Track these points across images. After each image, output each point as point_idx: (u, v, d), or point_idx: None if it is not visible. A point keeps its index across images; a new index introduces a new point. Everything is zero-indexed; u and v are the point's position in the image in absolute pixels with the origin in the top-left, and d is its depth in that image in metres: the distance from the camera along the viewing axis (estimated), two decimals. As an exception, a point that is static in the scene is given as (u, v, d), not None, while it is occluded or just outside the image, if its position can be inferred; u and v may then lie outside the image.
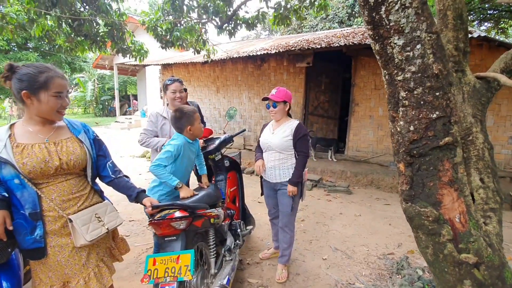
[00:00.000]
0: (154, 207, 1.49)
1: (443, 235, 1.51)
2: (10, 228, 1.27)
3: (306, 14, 6.95)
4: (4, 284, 1.41)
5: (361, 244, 2.98)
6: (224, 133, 2.77)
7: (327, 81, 6.95)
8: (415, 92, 1.46)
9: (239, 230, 2.34)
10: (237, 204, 2.68)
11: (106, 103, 21.61)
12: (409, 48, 1.43)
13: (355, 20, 13.02)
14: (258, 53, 6.05)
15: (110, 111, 20.93)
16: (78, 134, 1.42)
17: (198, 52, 5.42)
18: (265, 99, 2.40)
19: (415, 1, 1.38)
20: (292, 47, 5.66)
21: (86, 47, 4.64)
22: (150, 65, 8.27)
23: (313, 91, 6.76)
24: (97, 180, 1.54)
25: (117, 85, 14.70)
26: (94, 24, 4.33)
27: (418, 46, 1.42)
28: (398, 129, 1.57)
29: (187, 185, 2.14)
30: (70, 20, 4.21)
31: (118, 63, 13.66)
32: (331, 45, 5.23)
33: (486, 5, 9.09)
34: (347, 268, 2.53)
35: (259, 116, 7.12)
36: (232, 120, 2.94)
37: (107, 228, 1.41)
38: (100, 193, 1.51)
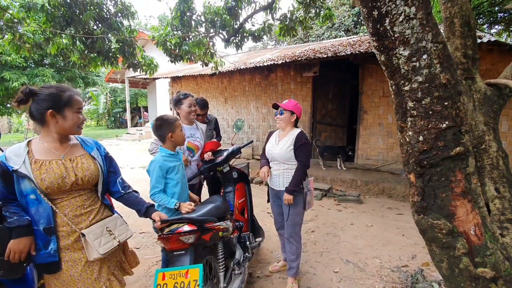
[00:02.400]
0: (163, 221, 1.50)
1: (458, 249, 1.46)
2: (34, 253, 1.31)
3: (312, 24, 7.02)
4: None
5: (374, 256, 2.91)
6: (232, 144, 2.79)
7: (335, 90, 6.94)
8: (423, 102, 1.45)
9: (248, 242, 2.32)
10: (246, 215, 2.66)
11: (118, 115, 22.14)
12: (415, 58, 1.42)
13: (361, 28, 13.04)
14: (265, 64, 6.11)
15: (122, 123, 21.40)
16: (91, 151, 1.47)
17: (206, 65, 5.53)
18: (275, 105, 2.44)
19: (419, 12, 1.38)
20: (298, 57, 5.71)
21: (99, 63, 4.80)
22: (159, 78, 8.47)
23: (321, 99, 6.76)
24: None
25: (129, 98, 15.07)
26: (107, 41, 4.49)
27: (424, 56, 1.41)
28: (407, 139, 1.55)
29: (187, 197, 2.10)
30: (83, 38, 4.38)
31: (129, 76, 14.05)
32: (338, 54, 5.25)
33: (496, 8, 8.97)
34: (360, 282, 2.47)
35: (267, 125, 7.14)
36: (240, 131, 2.96)
37: (119, 241, 1.44)
38: (109, 207, 1.54)
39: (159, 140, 1.97)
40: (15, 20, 4.21)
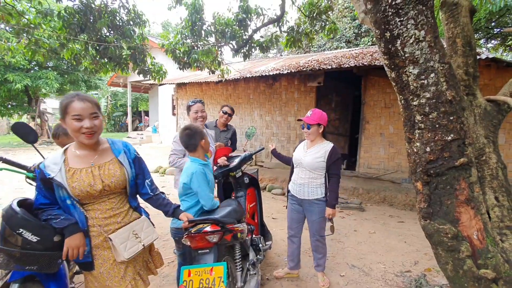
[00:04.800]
0: (190, 221, 1.61)
1: (462, 251, 1.58)
2: (86, 248, 1.41)
3: (318, 36, 7.24)
4: None
5: (378, 262, 3.01)
6: (244, 151, 2.91)
7: (338, 99, 7.12)
8: (431, 116, 1.59)
9: (260, 245, 2.42)
10: (256, 219, 2.77)
11: (118, 119, 22.21)
12: (423, 76, 1.57)
13: (362, 40, 13.36)
14: (271, 73, 6.29)
15: (121, 126, 21.48)
16: (118, 155, 1.50)
17: (213, 72, 5.69)
18: (300, 120, 2.49)
19: (428, 35, 1.53)
20: (303, 68, 5.89)
21: (110, 69, 4.94)
22: (166, 84, 8.61)
23: (324, 109, 6.88)
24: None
25: (130, 102, 15.19)
26: (119, 47, 4.64)
27: (432, 75, 1.56)
28: (415, 150, 1.69)
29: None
30: (96, 44, 4.52)
31: (132, 81, 14.19)
32: (342, 65, 5.43)
33: (493, 23, 9.30)
34: (366, 285, 2.57)
35: (270, 133, 7.28)
36: (251, 139, 3.08)
37: (143, 245, 1.52)
38: (137, 209, 1.61)
39: (190, 150, 1.97)
40: (31, 25, 4.35)
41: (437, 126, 1.58)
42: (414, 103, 1.63)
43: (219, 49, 5.18)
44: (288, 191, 2.60)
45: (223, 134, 3.43)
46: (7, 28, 4.35)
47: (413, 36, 1.54)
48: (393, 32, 1.57)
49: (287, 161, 2.74)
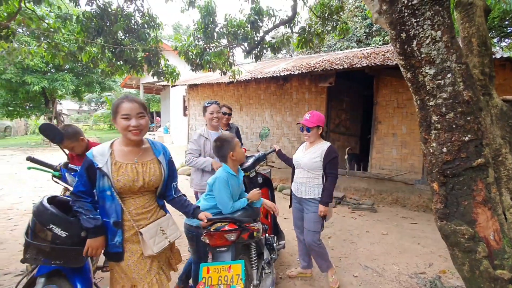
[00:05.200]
0: (209, 219, 1.66)
1: (479, 252, 1.58)
2: (105, 248, 1.49)
3: (330, 36, 7.24)
4: (79, 286, 1.59)
5: (391, 263, 2.99)
6: (258, 151, 2.95)
7: (349, 100, 7.07)
8: (447, 117, 1.58)
9: (274, 244, 2.46)
10: (269, 219, 2.80)
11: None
12: (440, 77, 1.57)
13: (373, 39, 13.22)
14: (282, 73, 6.31)
15: (134, 127, 21.84)
16: (158, 155, 1.60)
17: (225, 74, 5.76)
18: (299, 123, 2.55)
19: (444, 35, 1.54)
20: (314, 68, 5.89)
21: (125, 71, 5.07)
22: (178, 85, 8.75)
23: (335, 109, 6.90)
24: None
25: (143, 103, 15.45)
26: (134, 50, 4.76)
27: (449, 75, 1.56)
28: (431, 151, 1.69)
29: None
30: (112, 47, 4.65)
31: (144, 83, 14.47)
32: (353, 65, 5.41)
33: (506, 22, 9.04)
34: (379, 286, 2.56)
35: (281, 133, 7.30)
36: (265, 139, 3.11)
37: (169, 241, 1.59)
38: (163, 207, 1.68)
39: (221, 160, 2.03)
40: (51, 29, 4.52)
41: (454, 126, 1.58)
42: (431, 103, 1.63)
43: (231, 50, 5.25)
44: (291, 191, 2.64)
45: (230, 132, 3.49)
46: (26, 32, 4.52)
47: (430, 36, 1.54)
48: (409, 33, 1.58)
49: (291, 163, 2.77)
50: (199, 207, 1.75)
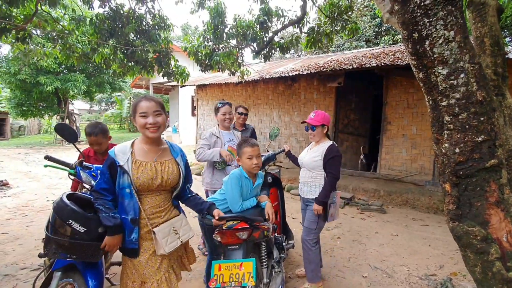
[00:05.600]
0: (221, 218, 1.69)
1: (492, 254, 1.56)
2: (117, 247, 1.54)
3: (339, 36, 7.20)
4: (91, 283, 1.65)
5: (401, 264, 2.97)
6: (267, 151, 2.97)
7: (357, 100, 7.03)
8: (460, 117, 1.58)
9: (284, 243, 2.47)
10: (279, 218, 2.82)
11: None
12: (453, 77, 1.56)
13: (382, 39, 13.07)
14: (290, 74, 6.31)
15: (143, 127, 22.14)
16: (176, 156, 1.65)
17: (233, 74, 5.80)
18: (304, 122, 2.54)
19: (458, 35, 1.53)
20: (323, 68, 5.87)
21: (136, 72, 5.16)
22: (187, 85, 8.85)
23: (343, 109, 6.86)
24: None
25: (152, 103, 15.65)
26: (145, 51, 4.84)
27: (462, 75, 1.55)
28: (443, 151, 1.68)
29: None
30: (124, 48, 4.74)
31: (154, 83, 14.66)
32: (363, 65, 5.37)
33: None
34: (389, 287, 2.55)
35: (289, 133, 7.31)
36: (274, 139, 3.13)
37: (181, 241, 1.62)
38: (177, 207, 1.72)
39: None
40: (66, 31, 4.64)
41: (467, 127, 1.57)
42: (443, 103, 1.62)
43: (240, 51, 5.28)
44: None
45: (243, 134, 3.51)
46: (40, 33, 4.65)
47: (443, 36, 1.53)
48: (421, 33, 1.57)
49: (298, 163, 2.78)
50: (214, 203, 1.79)
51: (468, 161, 1.59)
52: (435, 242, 3.55)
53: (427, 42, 1.57)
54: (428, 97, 1.71)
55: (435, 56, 1.57)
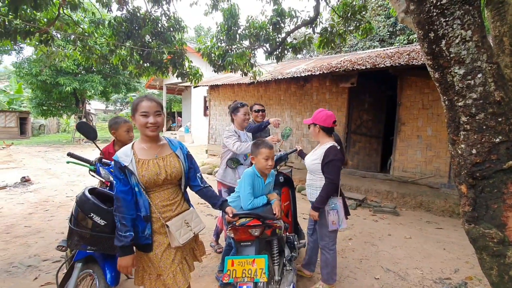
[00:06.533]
0: (234, 215, 1.73)
1: (509, 257, 1.53)
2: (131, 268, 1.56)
3: (352, 36, 7.13)
4: (108, 275, 1.72)
5: (414, 267, 2.93)
6: (279, 151, 2.99)
7: (371, 100, 6.94)
8: (477, 118, 1.55)
9: (295, 242, 2.49)
10: (290, 218, 2.84)
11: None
12: (470, 77, 1.54)
13: (397, 39, 12.83)
14: (302, 74, 6.30)
15: (156, 126, 22.58)
16: (176, 150, 1.70)
17: (246, 74, 5.85)
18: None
19: (475, 35, 1.51)
20: (336, 68, 5.84)
21: (152, 73, 5.29)
22: (200, 86, 8.98)
23: (356, 110, 6.79)
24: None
25: (165, 103, 15.98)
26: (160, 52, 4.96)
27: (479, 75, 1.53)
28: (459, 152, 1.66)
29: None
30: (140, 50, 4.88)
31: (167, 83, 14.94)
32: (376, 65, 5.31)
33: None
34: (401, 289, 2.52)
35: (300, 134, 7.29)
36: (287, 139, 3.15)
37: (194, 232, 1.67)
38: (187, 201, 1.77)
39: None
40: (86, 34, 4.81)
41: (484, 127, 1.54)
42: (459, 104, 1.60)
43: (253, 51, 5.32)
44: None
45: (262, 134, 3.52)
46: (58, 35, 4.85)
47: (459, 36, 1.52)
48: (437, 33, 1.56)
49: None
50: (226, 200, 1.83)
51: (485, 162, 1.56)
52: (450, 246, 3.47)
53: (443, 42, 1.56)
54: (444, 97, 1.69)
55: (451, 55, 1.56)
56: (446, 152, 5.19)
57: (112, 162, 2.00)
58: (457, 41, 1.52)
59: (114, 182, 1.58)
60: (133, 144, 1.65)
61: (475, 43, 1.51)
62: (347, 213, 2.36)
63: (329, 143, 2.31)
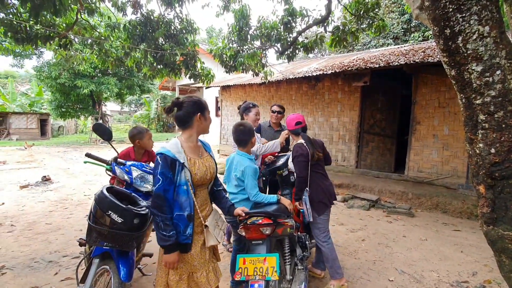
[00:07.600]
0: (246, 213, 1.75)
1: (531, 260, 1.48)
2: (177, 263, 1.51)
3: (365, 34, 7.02)
4: (122, 271, 1.77)
5: (430, 270, 2.86)
6: (290, 150, 2.99)
7: (384, 99, 6.80)
8: (496, 116, 1.51)
9: (307, 242, 2.48)
10: (301, 217, 2.82)
11: (166, 120, 23.82)
12: (488, 74, 1.50)
13: (412, 36, 12.52)
14: (314, 73, 6.26)
15: (169, 127, 22.97)
16: (210, 151, 1.76)
17: (257, 75, 5.86)
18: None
19: (493, 31, 1.46)
20: (348, 67, 5.76)
21: (165, 74, 5.39)
22: (212, 86, 9.07)
23: (369, 109, 6.68)
24: None
25: (178, 104, 16.21)
26: (173, 54, 5.05)
27: (498, 72, 1.48)
28: (477, 151, 1.61)
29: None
30: (154, 52, 4.98)
31: (180, 85, 15.16)
32: (390, 64, 5.21)
33: None
34: (417, 292, 2.47)
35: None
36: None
37: (223, 231, 1.71)
38: (211, 202, 1.78)
39: (241, 145, 2.16)
40: (102, 37, 4.96)
41: (503, 126, 1.50)
42: (477, 101, 1.56)
43: (264, 52, 5.33)
44: None
45: (278, 134, 3.51)
46: (76, 39, 5.01)
47: (477, 32, 1.48)
48: (454, 29, 1.53)
49: None
50: (233, 204, 1.85)
51: (504, 162, 1.51)
52: (468, 249, 3.36)
53: (460, 38, 1.52)
54: (461, 95, 1.65)
55: (468, 52, 1.51)
56: (464, 151, 5.04)
57: (159, 159, 1.58)
58: (474, 37, 1.48)
59: (156, 180, 1.46)
60: (178, 141, 1.57)
61: (493, 39, 1.47)
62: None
63: (296, 143, 2.50)
